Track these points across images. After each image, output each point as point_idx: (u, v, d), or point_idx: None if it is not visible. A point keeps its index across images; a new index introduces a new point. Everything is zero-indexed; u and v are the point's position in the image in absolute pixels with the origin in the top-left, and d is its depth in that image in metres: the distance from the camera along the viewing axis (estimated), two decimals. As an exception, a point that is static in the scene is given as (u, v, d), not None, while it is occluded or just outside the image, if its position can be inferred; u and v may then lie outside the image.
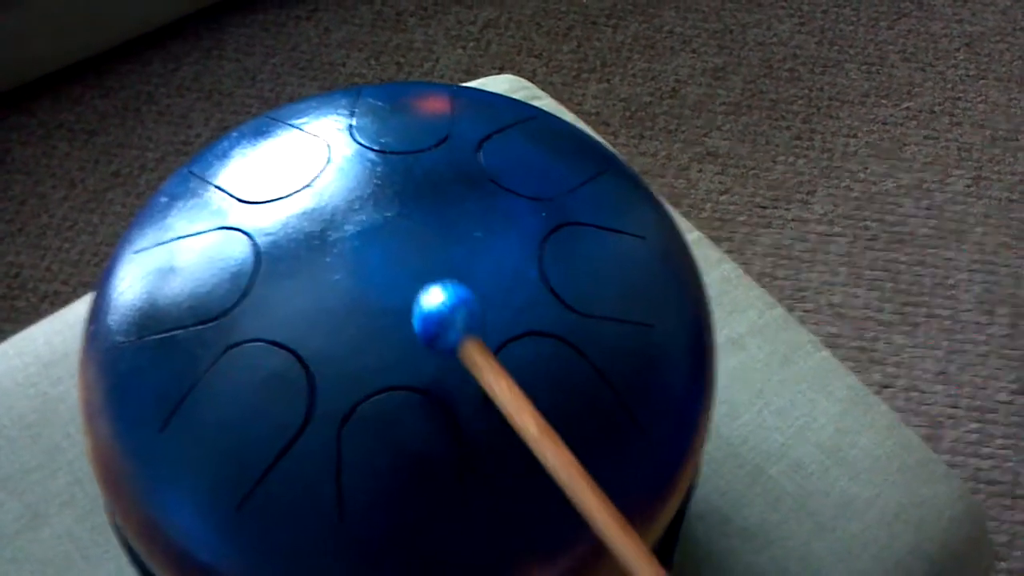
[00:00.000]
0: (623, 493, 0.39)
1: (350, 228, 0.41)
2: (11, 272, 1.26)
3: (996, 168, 1.37)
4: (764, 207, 1.33)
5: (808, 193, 1.35)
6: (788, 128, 1.40)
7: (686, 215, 1.33)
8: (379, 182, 0.43)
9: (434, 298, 0.36)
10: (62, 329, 0.69)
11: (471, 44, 1.47)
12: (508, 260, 0.41)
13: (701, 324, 0.43)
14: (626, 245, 0.43)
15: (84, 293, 1.25)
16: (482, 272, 0.41)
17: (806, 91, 1.44)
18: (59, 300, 1.24)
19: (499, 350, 0.39)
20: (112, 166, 1.35)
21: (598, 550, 0.39)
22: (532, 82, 1.44)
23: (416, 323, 0.36)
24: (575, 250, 0.42)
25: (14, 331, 1.22)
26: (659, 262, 0.43)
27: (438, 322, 0.35)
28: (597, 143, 0.48)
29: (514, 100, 0.48)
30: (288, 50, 1.46)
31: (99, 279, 0.43)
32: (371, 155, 0.44)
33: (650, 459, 0.40)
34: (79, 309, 0.71)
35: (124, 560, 0.60)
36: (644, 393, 0.40)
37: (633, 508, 0.40)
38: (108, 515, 0.51)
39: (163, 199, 0.44)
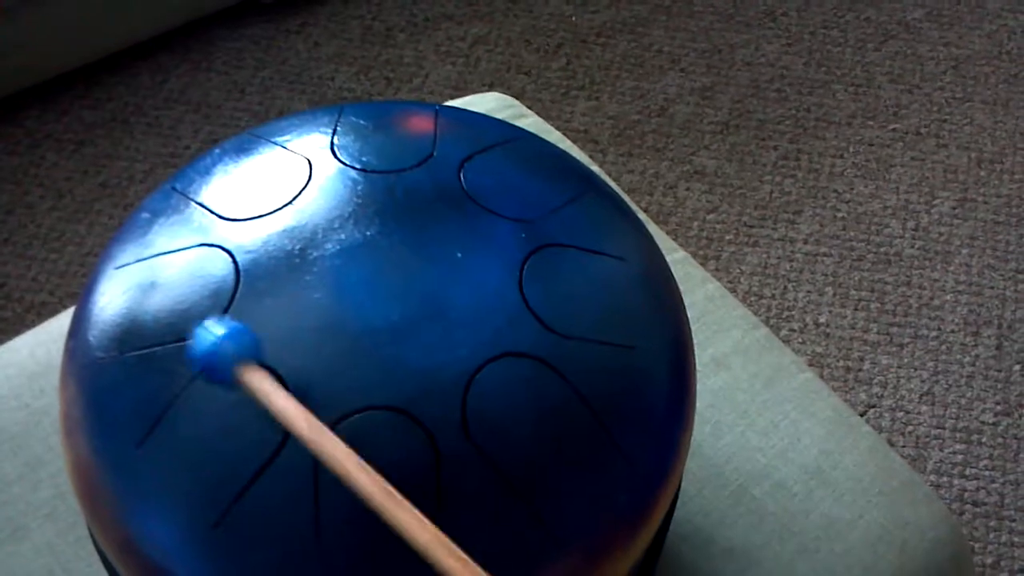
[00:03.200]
0: (603, 514, 0.39)
1: (331, 247, 0.41)
2: (-4, 283, 1.26)
3: (982, 190, 1.38)
4: (751, 226, 1.34)
5: (795, 213, 1.35)
6: (775, 148, 1.41)
7: (673, 233, 1.33)
8: (360, 201, 0.43)
9: (205, 336, 0.36)
10: (46, 341, 0.69)
11: (460, 60, 1.48)
12: (488, 281, 0.41)
13: (681, 346, 0.43)
14: (606, 267, 0.43)
15: (70, 304, 1.25)
16: (462, 292, 0.41)
17: (793, 111, 1.45)
18: (45, 310, 1.24)
19: (479, 370, 0.39)
20: (100, 177, 1.35)
21: (572, 571, 0.39)
22: (521, 99, 1.44)
23: (194, 359, 0.37)
24: (555, 271, 0.42)
25: (0, 341, 1.22)
26: (639, 284, 0.43)
27: (210, 355, 0.36)
28: (579, 164, 0.48)
29: (498, 120, 0.48)
30: (277, 64, 1.46)
31: (80, 294, 0.43)
32: (353, 173, 0.44)
33: (630, 481, 0.40)
34: (63, 322, 0.70)
35: (106, 574, 0.60)
36: (624, 415, 0.40)
37: (613, 529, 0.40)
38: (89, 531, 0.51)
39: (145, 215, 0.44)
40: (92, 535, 0.46)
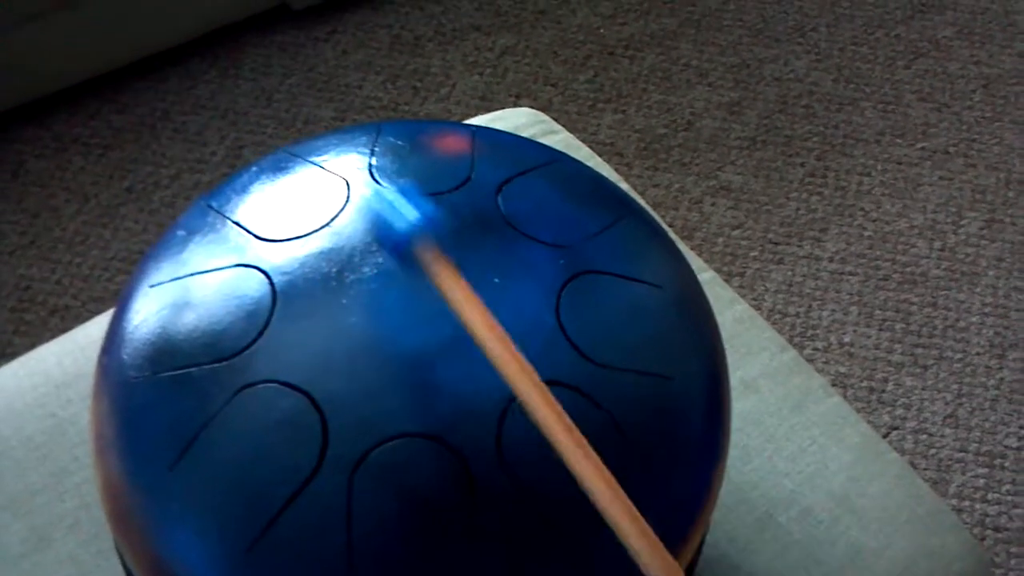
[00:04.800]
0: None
1: (367, 270, 0.41)
2: (21, 285, 1.26)
3: (1010, 211, 1.37)
4: (776, 243, 1.33)
5: (821, 231, 1.34)
6: (802, 165, 1.40)
7: (698, 249, 1.32)
8: (398, 224, 0.42)
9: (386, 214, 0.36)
10: (73, 350, 0.69)
11: (488, 71, 1.48)
12: (526, 307, 0.41)
13: (718, 377, 0.43)
14: (644, 294, 0.43)
15: (94, 308, 1.25)
16: (499, 318, 0.40)
17: (821, 128, 1.44)
18: (69, 314, 1.24)
19: (514, 399, 0.39)
20: (126, 182, 1.35)
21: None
22: (547, 111, 1.44)
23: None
24: (593, 299, 0.42)
25: (23, 344, 1.22)
26: (677, 312, 0.43)
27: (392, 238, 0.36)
28: (616, 188, 0.47)
29: (535, 143, 0.48)
30: (305, 71, 1.46)
31: (114, 312, 0.43)
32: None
33: (663, 511, 0.40)
34: (91, 330, 0.70)
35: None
36: (659, 445, 0.40)
37: (644, 561, 0.39)
38: (116, 549, 0.51)
39: (180, 232, 0.44)
40: (120, 554, 0.46)
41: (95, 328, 0.71)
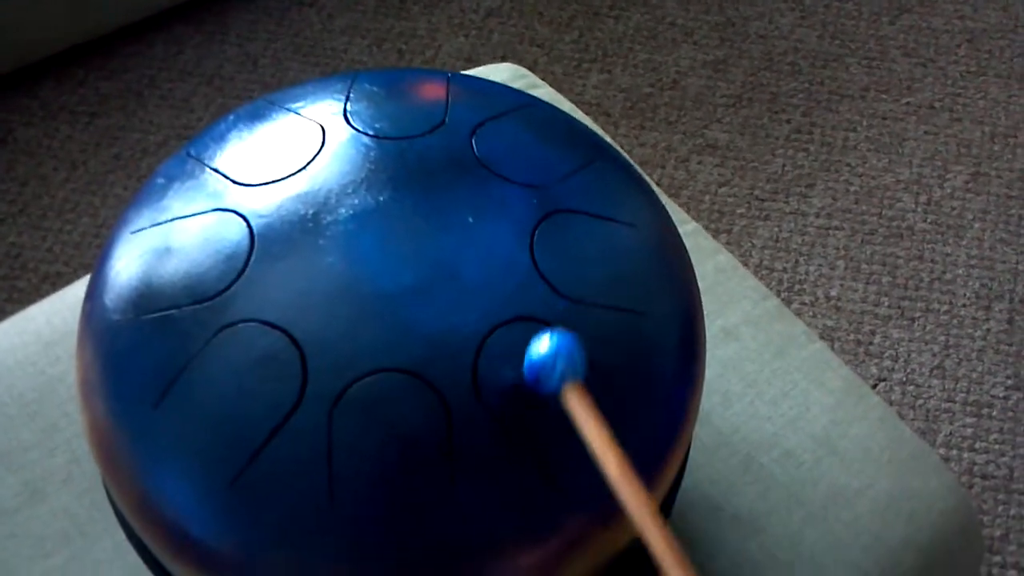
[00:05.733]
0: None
1: (343, 212, 0.42)
2: (12, 253, 1.27)
3: (995, 164, 1.38)
4: (763, 200, 1.34)
5: (807, 186, 1.35)
6: (788, 121, 1.41)
7: (685, 206, 1.33)
8: (372, 167, 0.43)
9: (541, 346, 0.38)
10: (61, 309, 0.70)
11: (473, 32, 1.48)
12: (499, 246, 0.41)
13: (692, 312, 0.44)
14: (617, 233, 0.43)
15: (85, 274, 1.25)
16: (473, 257, 0.41)
17: (806, 85, 1.44)
18: (60, 281, 1.25)
19: (490, 334, 0.40)
20: (114, 149, 1.35)
21: (582, 536, 0.40)
22: (533, 71, 1.44)
23: (524, 369, 0.39)
24: (566, 237, 0.42)
25: (14, 312, 1.23)
26: (650, 250, 0.44)
27: (540, 368, 0.38)
28: (591, 131, 0.48)
29: (510, 88, 0.49)
30: (291, 36, 1.46)
31: (97, 259, 0.44)
32: (365, 140, 0.44)
33: (639, 442, 0.41)
34: (78, 290, 0.71)
35: (121, 536, 0.61)
36: (633, 379, 0.40)
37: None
38: (105, 490, 0.52)
39: (160, 180, 0.45)
40: (109, 495, 0.46)
41: (81, 288, 0.71)
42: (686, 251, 0.46)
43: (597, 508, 0.40)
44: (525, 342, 0.40)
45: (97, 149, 1.35)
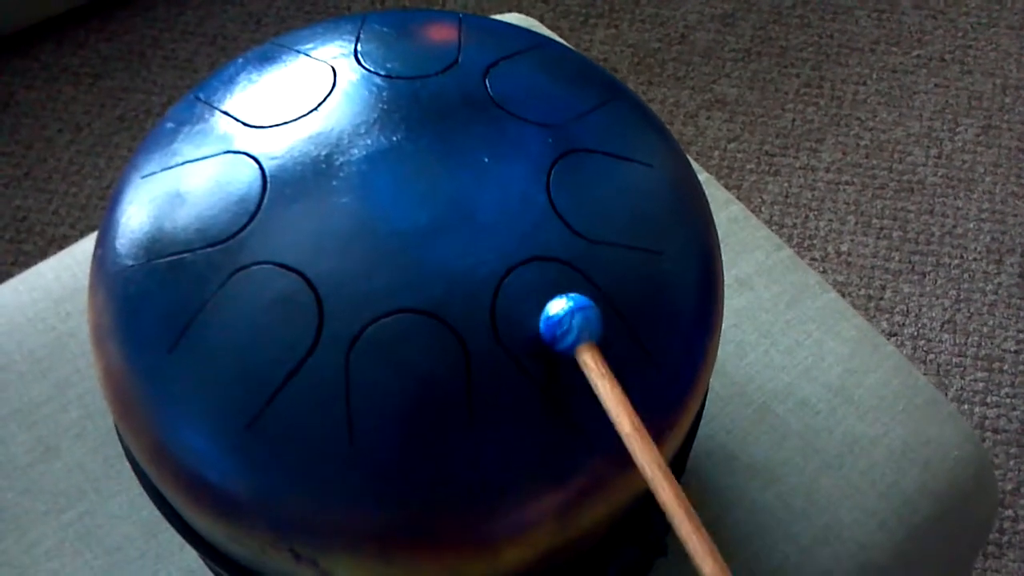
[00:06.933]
0: (630, 417, 0.39)
1: (356, 152, 0.41)
2: (18, 216, 1.26)
3: (1006, 117, 1.36)
4: (772, 155, 1.33)
5: (817, 141, 1.34)
6: (797, 75, 1.39)
7: (694, 162, 1.32)
8: (385, 107, 0.42)
9: (556, 306, 0.38)
10: (71, 265, 0.70)
11: (478, -11, 1.46)
12: (515, 185, 0.41)
13: (709, 251, 0.43)
14: (634, 172, 0.43)
15: (91, 236, 1.25)
16: (489, 196, 0.40)
17: (816, 38, 1.43)
18: (67, 243, 1.24)
19: (508, 274, 0.39)
20: (117, 110, 1.34)
21: (603, 475, 0.39)
22: (540, 28, 1.42)
23: (540, 326, 0.39)
24: (582, 176, 0.42)
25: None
26: (667, 190, 0.43)
27: (556, 326, 0.38)
28: (605, 72, 0.47)
29: (522, 28, 0.48)
30: (294, -5, 1.45)
31: (108, 206, 0.43)
32: (377, 80, 0.43)
33: (657, 385, 0.40)
34: (87, 246, 0.71)
35: (136, 491, 0.61)
36: (651, 318, 0.40)
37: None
38: (119, 438, 0.52)
39: (169, 125, 0.44)
40: (124, 445, 0.46)
41: (90, 244, 0.71)
42: (703, 191, 0.45)
43: (616, 450, 0.39)
44: (543, 282, 0.39)
45: (101, 111, 1.34)
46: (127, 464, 0.62)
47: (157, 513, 0.60)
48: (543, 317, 0.39)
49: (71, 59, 1.38)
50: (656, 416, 0.40)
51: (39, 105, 1.35)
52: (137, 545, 0.59)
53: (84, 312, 0.67)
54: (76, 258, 0.70)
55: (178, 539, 0.60)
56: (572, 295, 0.38)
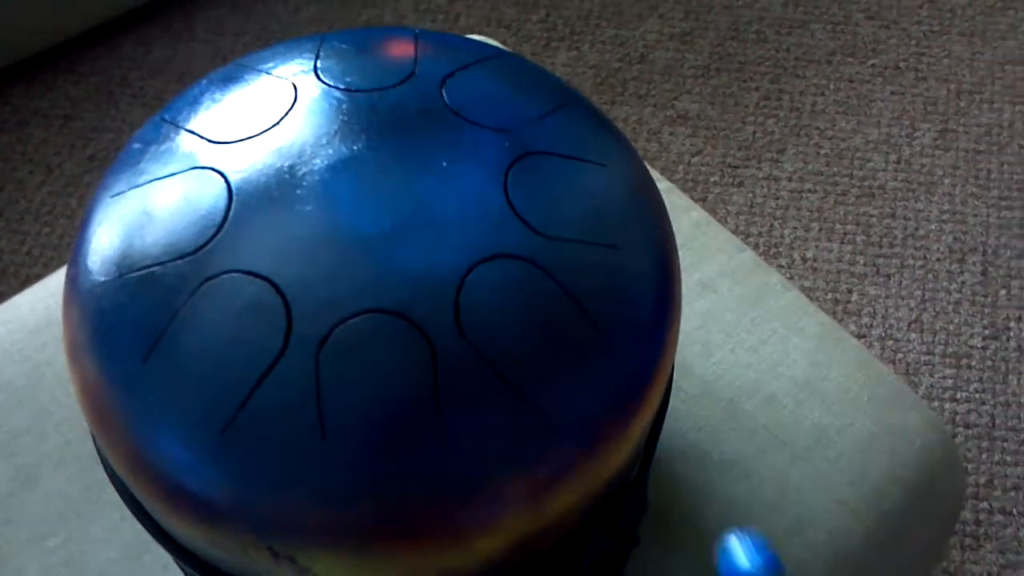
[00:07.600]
0: (595, 404, 0.40)
1: (319, 162, 0.42)
2: (-9, 259, 1.27)
3: (962, 120, 1.39)
4: (736, 167, 1.35)
5: (778, 152, 1.36)
6: (756, 89, 1.42)
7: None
8: (345, 118, 0.44)
9: (741, 557, 0.37)
10: (45, 297, 0.70)
11: (440, 16, 1.48)
12: (474, 188, 0.42)
13: (664, 244, 0.45)
14: (588, 172, 0.44)
15: (64, 270, 1.26)
16: (449, 199, 0.42)
17: (773, 52, 1.46)
18: (40, 284, 1.25)
19: (469, 272, 0.40)
20: (88, 150, 1.35)
21: (568, 465, 0.41)
22: (502, 52, 1.44)
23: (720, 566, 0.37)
24: (539, 177, 0.43)
25: (-3, 317, 1.23)
26: (621, 187, 0.45)
27: None
28: (558, 79, 0.49)
29: (477, 41, 0.49)
30: (258, 30, 1.47)
31: (79, 226, 0.44)
32: (337, 93, 0.45)
33: (619, 374, 0.42)
34: (61, 278, 0.72)
35: (117, 516, 0.62)
36: (610, 309, 0.41)
37: (604, 422, 0.41)
38: (97, 450, 0.53)
39: (136, 145, 0.45)
40: (103, 458, 0.47)
41: (62, 277, 0.72)
42: (656, 188, 0.47)
43: (584, 436, 0.40)
44: (504, 279, 0.41)
45: (72, 151, 1.35)
46: (108, 489, 0.63)
47: (140, 536, 0.61)
48: (724, 561, 0.36)
49: (40, 101, 1.39)
50: (621, 402, 0.42)
51: (10, 148, 1.36)
52: (120, 568, 0.60)
53: (60, 342, 0.68)
54: (50, 290, 0.71)
55: (161, 561, 0.61)
56: (761, 549, 0.37)
